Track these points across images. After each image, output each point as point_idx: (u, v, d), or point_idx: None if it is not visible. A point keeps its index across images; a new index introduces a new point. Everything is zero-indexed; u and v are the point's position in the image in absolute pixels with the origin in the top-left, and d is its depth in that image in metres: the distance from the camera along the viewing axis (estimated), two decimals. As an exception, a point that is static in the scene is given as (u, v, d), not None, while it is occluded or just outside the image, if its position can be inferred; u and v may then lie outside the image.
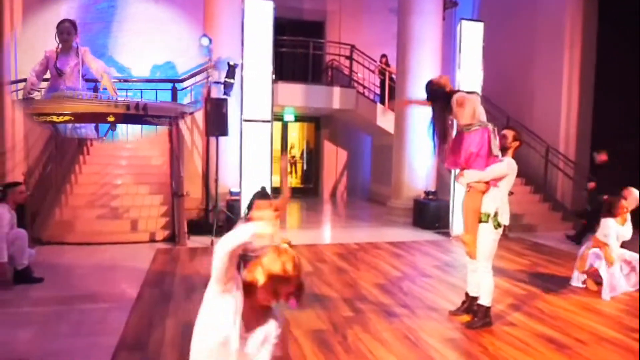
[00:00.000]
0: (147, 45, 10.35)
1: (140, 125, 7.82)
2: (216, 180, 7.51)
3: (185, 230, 6.73)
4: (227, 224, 6.85)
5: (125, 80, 9.85)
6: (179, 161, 7.35)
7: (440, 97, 3.96)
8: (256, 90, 6.95)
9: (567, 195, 9.45)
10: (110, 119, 5.25)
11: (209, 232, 6.80)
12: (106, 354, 3.17)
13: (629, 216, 4.91)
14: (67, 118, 5.09)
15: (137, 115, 5.30)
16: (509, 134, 3.85)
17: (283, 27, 11.03)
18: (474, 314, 3.85)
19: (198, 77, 8.91)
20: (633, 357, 3.28)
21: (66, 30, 5.34)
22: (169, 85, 9.27)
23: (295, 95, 10.60)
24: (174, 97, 9.04)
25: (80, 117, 5.26)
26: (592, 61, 9.44)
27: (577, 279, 4.98)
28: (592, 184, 7.45)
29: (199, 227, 7.21)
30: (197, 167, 8.47)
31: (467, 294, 4.04)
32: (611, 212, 4.81)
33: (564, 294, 4.70)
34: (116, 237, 6.65)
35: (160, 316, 3.88)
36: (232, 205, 7.36)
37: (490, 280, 3.79)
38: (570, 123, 9.59)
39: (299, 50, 11.21)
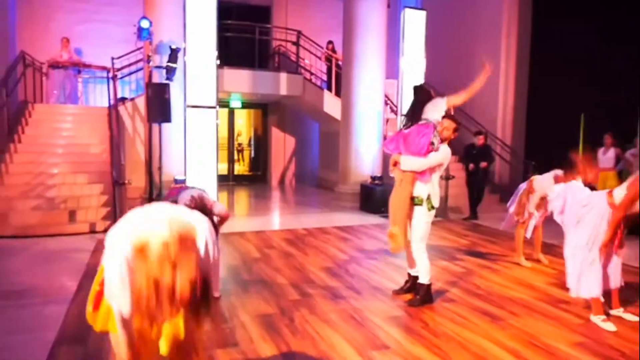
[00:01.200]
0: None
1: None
2: (159, 168, 7.32)
3: (128, 220, 6.52)
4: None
5: (62, 66, 9.38)
6: (119, 149, 7.10)
7: (426, 97, 4.16)
8: (200, 76, 6.79)
9: (504, 178, 9.96)
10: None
11: (153, 222, 6.63)
12: (44, 349, 3.05)
13: None
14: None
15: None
16: (450, 126, 3.97)
17: (229, 11, 10.83)
18: (416, 292, 4.01)
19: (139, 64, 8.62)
20: (560, 325, 3.54)
21: None
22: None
23: (241, 81, 10.46)
24: (114, 85, 8.66)
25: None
26: (527, 51, 9.93)
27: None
28: (484, 164, 8.11)
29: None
30: (139, 154, 8.22)
31: (409, 274, 4.20)
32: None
33: (499, 271, 4.99)
34: (53, 228, 6.35)
35: (102, 308, 3.76)
36: (178, 194, 7.20)
37: (426, 260, 3.95)
38: (507, 109, 10.08)
39: (245, 35, 11.03)
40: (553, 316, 3.72)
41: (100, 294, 1.69)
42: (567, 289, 3.78)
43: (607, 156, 7.68)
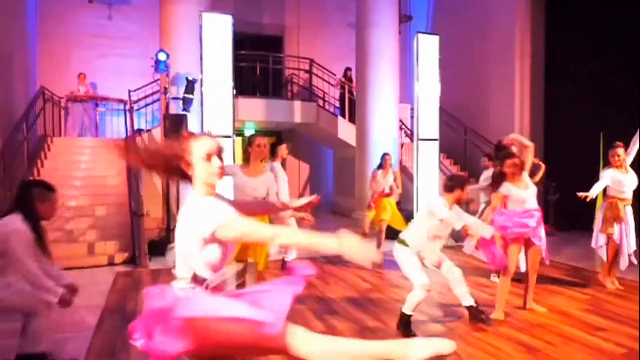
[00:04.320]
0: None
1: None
2: (177, 199, 7.30)
3: (146, 251, 6.48)
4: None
5: (80, 100, 9.54)
6: (137, 180, 7.11)
7: None
8: (216, 106, 6.83)
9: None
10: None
11: (171, 252, 6.59)
12: (65, 387, 2.97)
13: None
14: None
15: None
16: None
17: (242, 42, 11.01)
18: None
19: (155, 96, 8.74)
20: (599, 355, 3.36)
21: None
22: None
23: (256, 109, 10.55)
24: (131, 116, 8.78)
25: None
26: (542, 71, 9.88)
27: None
28: None
29: (161, 247, 6.96)
30: (157, 185, 8.22)
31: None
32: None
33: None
34: (72, 261, 6.31)
35: (124, 343, 3.67)
36: (195, 224, 7.17)
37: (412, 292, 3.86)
38: (524, 131, 9.95)
39: (259, 65, 11.18)
40: (592, 346, 3.54)
41: None
42: (604, 316, 3.61)
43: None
